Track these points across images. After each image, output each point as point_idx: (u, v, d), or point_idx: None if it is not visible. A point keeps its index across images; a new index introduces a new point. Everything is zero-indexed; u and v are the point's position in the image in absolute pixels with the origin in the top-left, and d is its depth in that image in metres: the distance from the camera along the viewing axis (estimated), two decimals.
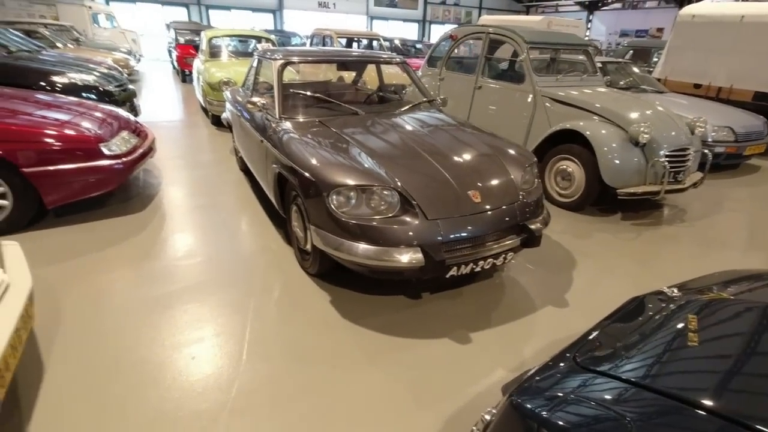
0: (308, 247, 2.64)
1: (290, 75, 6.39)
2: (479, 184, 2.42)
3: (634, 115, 3.72)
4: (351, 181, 2.22)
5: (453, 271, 2.23)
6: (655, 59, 9.29)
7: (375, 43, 9.83)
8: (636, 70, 6.21)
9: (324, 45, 8.93)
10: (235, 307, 2.43)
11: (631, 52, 10.19)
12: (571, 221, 3.79)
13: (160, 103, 8.47)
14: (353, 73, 5.96)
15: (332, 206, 2.21)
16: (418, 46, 11.96)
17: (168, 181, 4.31)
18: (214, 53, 7.12)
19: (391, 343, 2.20)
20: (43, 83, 4.93)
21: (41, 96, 3.81)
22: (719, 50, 6.29)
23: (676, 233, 3.66)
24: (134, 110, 5.87)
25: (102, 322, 2.25)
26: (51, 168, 2.99)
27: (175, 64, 11.82)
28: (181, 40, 11.33)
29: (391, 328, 2.31)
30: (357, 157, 2.45)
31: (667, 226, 3.78)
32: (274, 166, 2.79)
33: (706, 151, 3.93)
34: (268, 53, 3.51)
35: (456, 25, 23.70)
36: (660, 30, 18.57)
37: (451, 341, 2.24)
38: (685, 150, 3.73)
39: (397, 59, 3.80)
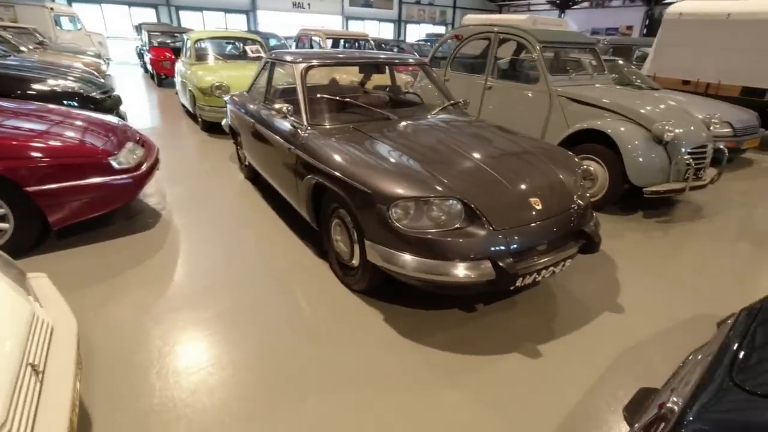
0: (354, 262, 2.48)
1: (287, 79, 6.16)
2: (538, 190, 2.32)
3: (656, 113, 3.73)
4: (412, 193, 2.08)
5: (518, 282, 2.13)
6: (635, 57, 9.50)
7: (362, 43, 9.66)
8: (632, 67, 6.31)
9: (311, 46, 8.70)
10: (283, 333, 2.24)
11: (611, 50, 10.41)
12: None
13: (141, 109, 8.03)
14: (344, 75, 5.81)
15: (393, 220, 2.06)
16: (402, 46, 11.86)
17: (171, 193, 4.04)
18: (200, 56, 6.79)
19: (462, 362, 2.07)
20: (21, 91, 4.54)
21: (32, 106, 3.48)
22: (707, 47, 6.48)
23: (702, 229, 3.69)
24: (121, 118, 5.50)
25: (136, 357, 2.03)
26: (56, 186, 2.71)
27: (150, 67, 11.28)
28: (155, 42, 10.80)
29: (456, 344, 2.18)
30: (410, 165, 2.31)
31: (690, 223, 3.81)
32: (310, 176, 2.61)
33: (721, 146, 3.98)
34: (285, 57, 3.32)
35: (431, 25, 23.95)
36: (629, 28, 19.19)
37: (523, 356, 2.13)
38: (705, 147, 3.77)
39: (415, 61, 3.68)
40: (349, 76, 5.80)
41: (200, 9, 18.52)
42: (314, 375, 1.96)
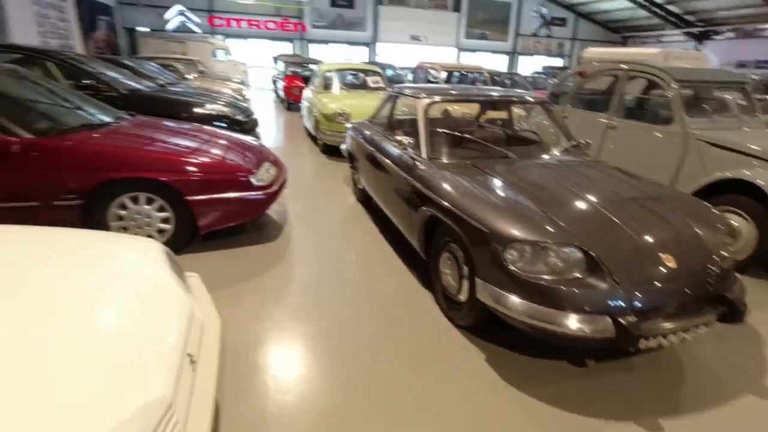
0: (461, 297, 2.50)
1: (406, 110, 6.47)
2: (670, 245, 2.13)
3: None
4: (529, 236, 2.05)
5: (641, 345, 1.95)
6: None
7: (476, 75, 9.77)
8: None
9: (426, 77, 9.05)
10: (382, 358, 2.32)
11: (763, 86, 9.10)
12: None
13: (271, 130, 9.02)
14: (456, 107, 5.87)
15: (507, 261, 2.05)
16: (516, 78, 11.72)
17: (293, 209, 4.45)
18: (326, 85, 7.46)
19: (570, 421, 1.95)
20: (186, 114, 5.41)
21: (188, 126, 4.15)
22: None
23: None
24: (257, 138, 6.26)
25: (254, 359, 2.26)
26: (208, 196, 3.18)
27: (281, 93, 12.65)
28: (289, 72, 12.12)
29: (564, 401, 2.06)
30: (529, 207, 2.28)
31: None
32: (425, 208, 2.71)
33: None
34: (408, 91, 3.52)
35: (546, 56, 23.23)
36: None
37: (640, 428, 1.94)
38: None
39: (536, 99, 3.64)
40: (462, 107, 5.90)
41: (326, 42, 20.42)
42: (409, 406, 1.99)
